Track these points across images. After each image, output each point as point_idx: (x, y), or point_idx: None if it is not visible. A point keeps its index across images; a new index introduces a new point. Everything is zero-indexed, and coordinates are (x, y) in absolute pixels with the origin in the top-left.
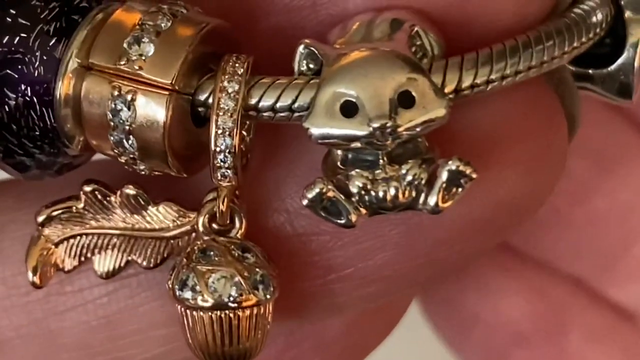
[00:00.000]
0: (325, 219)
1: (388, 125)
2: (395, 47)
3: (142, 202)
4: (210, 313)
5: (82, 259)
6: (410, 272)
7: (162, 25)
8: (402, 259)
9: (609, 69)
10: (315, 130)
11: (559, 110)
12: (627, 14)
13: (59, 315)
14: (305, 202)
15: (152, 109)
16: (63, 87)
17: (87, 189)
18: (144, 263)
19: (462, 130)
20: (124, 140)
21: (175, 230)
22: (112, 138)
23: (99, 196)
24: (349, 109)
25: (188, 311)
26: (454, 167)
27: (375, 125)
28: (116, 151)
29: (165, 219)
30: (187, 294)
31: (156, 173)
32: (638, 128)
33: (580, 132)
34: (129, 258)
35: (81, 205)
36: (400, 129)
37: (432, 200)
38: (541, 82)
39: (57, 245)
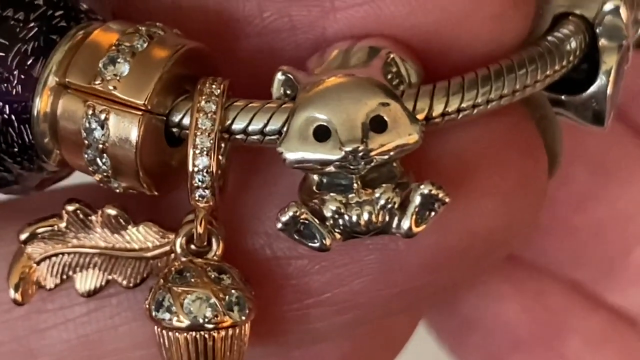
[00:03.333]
0: (300, 242)
1: (360, 149)
2: (369, 73)
3: (123, 222)
4: (185, 334)
5: (64, 276)
6: (385, 300)
7: (138, 46)
8: (378, 286)
9: (582, 95)
10: (289, 155)
11: (540, 143)
12: (602, 41)
13: (39, 333)
14: (279, 225)
15: (124, 128)
16: (41, 104)
17: (70, 208)
18: (124, 282)
19: (440, 157)
20: (98, 159)
21: (155, 250)
22: (86, 156)
23: (81, 215)
24: (322, 134)
25: (164, 331)
26: (426, 191)
27: (348, 149)
28: (91, 169)
29: (145, 239)
30: (163, 315)
31: (130, 191)
32: (638, 136)
33: (580, 140)
34: (110, 277)
35: (63, 224)
36: (372, 153)
37: (405, 224)
38: (523, 114)
39: (39, 263)
